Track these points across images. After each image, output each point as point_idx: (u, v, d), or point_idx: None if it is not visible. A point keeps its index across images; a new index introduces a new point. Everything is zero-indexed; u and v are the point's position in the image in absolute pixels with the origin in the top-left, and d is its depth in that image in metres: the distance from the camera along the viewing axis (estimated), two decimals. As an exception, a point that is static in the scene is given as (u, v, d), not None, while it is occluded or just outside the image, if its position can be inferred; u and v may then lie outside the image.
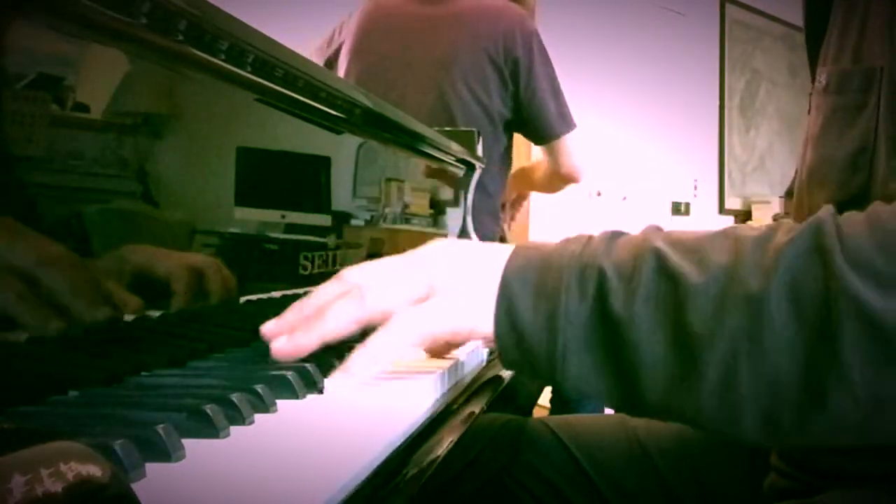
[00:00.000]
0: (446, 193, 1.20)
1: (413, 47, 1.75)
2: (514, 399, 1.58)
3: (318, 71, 0.71)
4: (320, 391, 0.52)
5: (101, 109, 0.48)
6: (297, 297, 0.58)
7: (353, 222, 0.87)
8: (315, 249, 0.76)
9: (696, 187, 4.33)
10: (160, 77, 0.54)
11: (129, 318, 0.50)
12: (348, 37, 1.83)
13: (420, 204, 1.08)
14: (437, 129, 1.14)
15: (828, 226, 0.46)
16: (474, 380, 0.69)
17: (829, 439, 0.47)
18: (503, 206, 1.95)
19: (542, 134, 1.80)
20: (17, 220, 0.41)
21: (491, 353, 0.77)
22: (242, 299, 0.64)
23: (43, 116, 0.43)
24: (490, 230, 1.74)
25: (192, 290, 0.57)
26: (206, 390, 0.46)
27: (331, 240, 0.79)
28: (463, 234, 1.24)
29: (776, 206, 4.29)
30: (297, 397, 0.49)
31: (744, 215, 4.56)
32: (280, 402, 0.47)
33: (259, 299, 0.66)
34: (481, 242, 0.57)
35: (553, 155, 1.84)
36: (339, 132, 0.82)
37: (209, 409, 0.40)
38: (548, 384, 0.49)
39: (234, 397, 0.43)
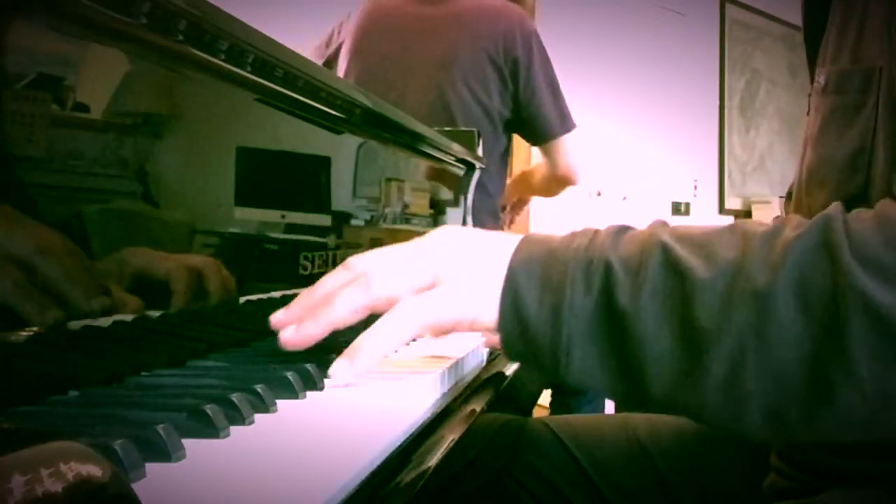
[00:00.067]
0: (446, 193, 1.20)
1: (413, 47, 1.75)
2: (514, 399, 1.58)
3: (318, 71, 0.71)
4: (320, 390, 0.52)
5: (101, 109, 0.48)
6: (297, 297, 0.58)
7: (353, 222, 0.87)
8: (315, 249, 0.76)
9: (696, 187, 4.33)
10: (160, 77, 0.54)
11: (128, 318, 0.50)
12: (348, 37, 1.82)
13: (420, 204, 1.08)
14: (437, 129, 1.14)
15: (836, 222, 0.46)
16: (474, 379, 0.69)
17: (836, 435, 0.47)
18: (503, 208, 1.95)
19: (540, 134, 1.80)
20: (17, 220, 0.41)
21: (491, 353, 0.77)
22: (242, 299, 0.64)
23: (43, 116, 0.43)
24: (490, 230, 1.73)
25: (191, 291, 0.57)
26: (206, 390, 0.46)
27: (331, 240, 0.79)
28: (463, 234, 1.24)
29: (776, 206, 4.29)
30: (297, 397, 0.49)
31: (744, 215, 4.56)
32: (280, 402, 0.47)
33: (259, 299, 0.66)
34: (487, 231, 0.56)
35: (550, 156, 1.84)
36: (339, 132, 0.82)
37: (209, 409, 0.40)
38: (552, 377, 0.49)
39: (234, 397, 0.43)
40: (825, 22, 0.73)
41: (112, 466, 0.25)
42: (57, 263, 0.44)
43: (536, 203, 2.35)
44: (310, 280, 0.57)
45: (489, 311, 0.51)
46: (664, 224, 0.52)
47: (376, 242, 0.92)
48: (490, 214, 1.75)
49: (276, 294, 0.68)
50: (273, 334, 0.68)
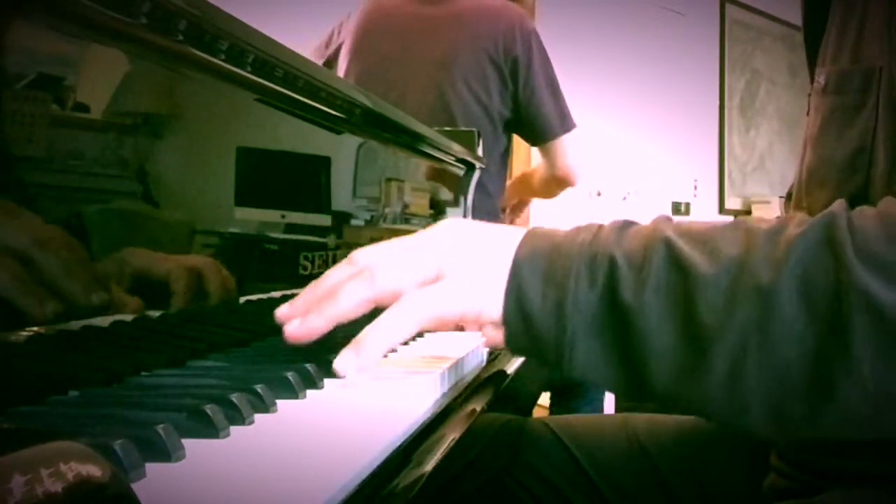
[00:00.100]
0: (446, 193, 1.20)
1: (413, 47, 1.75)
2: (514, 399, 1.58)
3: (318, 71, 0.71)
4: (320, 390, 0.52)
5: (101, 109, 0.48)
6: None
7: (353, 222, 0.87)
8: (315, 249, 0.76)
9: (696, 187, 4.33)
10: (160, 77, 0.54)
11: (128, 318, 0.50)
12: (348, 37, 1.82)
13: (420, 204, 1.08)
14: (437, 129, 1.14)
15: (840, 219, 0.46)
16: (475, 379, 0.69)
17: (838, 433, 0.47)
18: (503, 210, 1.95)
19: (540, 134, 1.80)
20: (18, 220, 0.41)
21: (491, 352, 0.77)
22: (242, 299, 0.64)
23: (43, 116, 0.43)
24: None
25: (191, 291, 0.57)
26: (206, 390, 0.46)
27: (331, 240, 0.79)
28: (463, 234, 1.24)
29: (776, 206, 4.29)
30: (296, 397, 0.49)
31: (744, 215, 4.54)
32: (280, 402, 0.47)
33: (259, 299, 0.66)
34: (491, 224, 0.56)
35: (548, 156, 1.84)
36: (339, 132, 0.82)
37: (209, 409, 0.40)
38: (555, 370, 0.50)
39: (234, 397, 0.43)
40: (825, 22, 0.73)
41: (112, 466, 0.25)
42: (57, 262, 0.44)
43: (536, 204, 2.35)
44: (310, 280, 0.57)
45: (494, 304, 0.51)
46: (668, 219, 0.52)
47: (376, 242, 0.92)
48: (490, 214, 1.75)
49: (276, 294, 0.68)
50: (273, 334, 0.68)
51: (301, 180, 0.77)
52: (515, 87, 1.75)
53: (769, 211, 4.36)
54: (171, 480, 0.33)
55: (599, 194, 3.73)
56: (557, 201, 2.14)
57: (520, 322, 0.51)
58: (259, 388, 0.46)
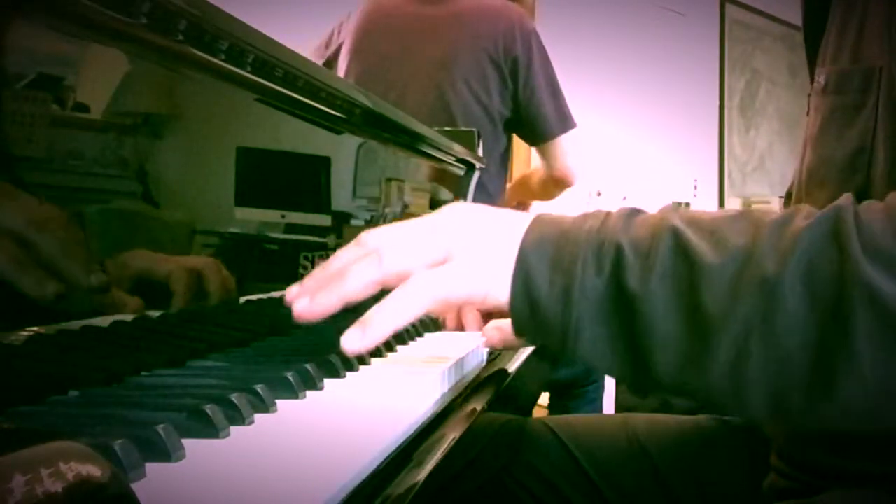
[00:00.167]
0: (446, 193, 1.20)
1: (413, 47, 1.75)
2: (514, 399, 1.58)
3: (318, 71, 0.71)
4: (320, 390, 0.52)
5: (101, 109, 0.48)
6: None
7: (353, 222, 0.87)
8: (315, 249, 0.76)
9: (696, 187, 4.33)
10: (160, 77, 0.54)
11: (128, 318, 0.50)
12: (348, 37, 1.82)
13: (420, 204, 1.08)
14: (437, 129, 1.14)
15: (846, 213, 0.46)
16: (475, 379, 0.69)
17: (838, 424, 0.47)
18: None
19: (539, 134, 1.80)
20: (17, 221, 0.41)
21: (491, 353, 0.77)
22: (242, 299, 0.64)
23: (43, 116, 0.43)
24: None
25: (191, 291, 0.57)
26: (206, 390, 0.46)
27: (331, 240, 0.79)
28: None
29: (776, 206, 4.29)
30: (296, 397, 0.49)
31: (744, 215, 4.55)
32: (280, 402, 0.47)
33: (259, 299, 0.66)
34: (498, 209, 0.56)
35: (547, 156, 1.83)
36: (339, 132, 0.82)
37: (209, 409, 0.40)
38: (560, 356, 0.50)
39: (234, 397, 0.43)
40: (825, 22, 0.73)
41: (112, 466, 0.25)
42: (57, 262, 0.44)
43: (537, 204, 2.35)
44: (310, 280, 0.57)
45: (501, 288, 0.51)
46: (675, 208, 0.52)
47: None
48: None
49: (276, 294, 0.68)
50: (273, 334, 0.68)
51: (301, 180, 0.77)
52: (515, 86, 1.75)
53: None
54: (171, 480, 0.33)
55: (599, 194, 3.73)
56: (558, 201, 2.14)
57: (526, 308, 0.51)
58: (259, 388, 0.46)
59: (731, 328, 0.46)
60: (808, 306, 0.45)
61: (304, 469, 0.36)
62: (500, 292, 0.51)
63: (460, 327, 0.68)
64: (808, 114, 0.74)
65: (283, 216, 0.72)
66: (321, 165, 0.79)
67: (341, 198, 0.84)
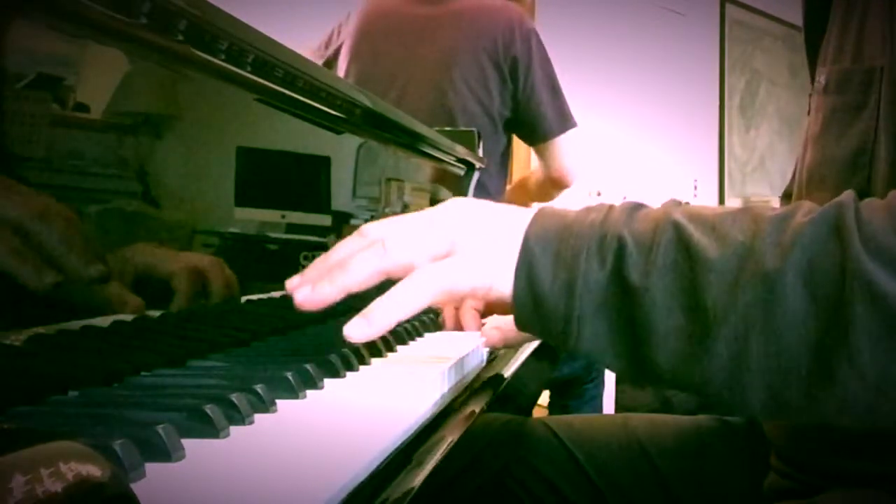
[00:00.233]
0: (446, 193, 1.20)
1: (412, 47, 1.75)
2: (514, 399, 1.58)
3: (318, 71, 0.71)
4: (320, 390, 0.52)
5: (101, 109, 0.48)
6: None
7: (353, 222, 0.87)
8: (315, 249, 0.76)
9: (696, 187, 4.33)
10: (160, 77, 0.54)
11: (129, 318, 0.50)
12: (347, 38, 1.82)
13: (420, 204, 1.08)
14: (437, 129, 1.14)
15: (848, 209, 0.46)
16: (475, 379, 0.69)
17: (837, 420, 0.47)
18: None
19: (538, 134, 1.80)
20: (17, 220, 0.41)
21: (491, 353, 0.77)
22: (242, 299, 0.64)
23: (43, 116, 0.43)
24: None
25: (192, 290, 0.57)
26: (206, 390, 0.46)
27: (331, 240, 0.79)
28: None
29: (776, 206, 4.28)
30: (297, 397, 0.49)
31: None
32: (280, 402, 0.47)
33: (259, 299, 0.66)
34: (500, 204, 0.57)
35: (544, 156, 1.83)
36: (339, 132, 0.82)
37: (209, 409, 0.40)
38: (561, 348, 0.50)
39: (234, 397, 0.43)
40: (826, 22, 0.73)
41: (112, 466, 0.25)
42: (57, 262, 0.44)
43: (535, 205, 2.35)
44: (310, 280, 0.57)
45: (504, 280, 0.52)
46: (678, 203, 0.52)
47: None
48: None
49: (276, 294, 0.68)
50: (273, 334, 0.68)
51: (301, 180, 0.77)
52: (515, 86, 1.75)
53: (769, 211, 4.35)
54: (171, 480, 0.33)
55: (599, 194, 3.73)
56: (557, 202, 2.14)
57: (530, 301, 0.51)
58: (259, 388, 0.46)
59: (731, 322, 0.46)
60: (809, 301, 0.45)
61: (304, 469, 0.36)
62: (504, 285, 0.52)
63: (460, 327, 0.68)
64: (808, 113, 0.74)
65: (283, 216, 0.72)
66: (321, 165, 0.79)
67: (341, 198, 0.84)
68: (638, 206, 0.53)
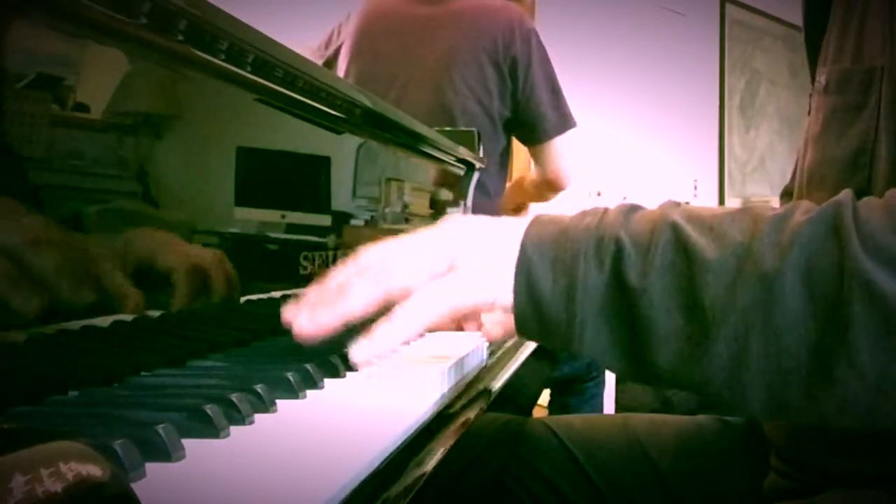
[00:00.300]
0: (446, 193, 1.20)
1: (412, 48, 1.75)
2: (514, 399, 1.58)
3: (318, 71, 0.71)
4: (320, 390, 0.52)
5: (101, 109, 0.48)
6: (297, 297, 0.58)
7: (353, 222, 0.87)
8: (315, 249, 0.76)
9: (696, 187, 4.33)
10: (160, 77, 0.54)
11: (128, 318, 0.50)
12: (347, 38, 1.82)
13: (420, 204, 1.08)
14: (437, 129, 1.14)
15: (846, 208, 0.46)
16: (475, 379, 0.69)
17: (836, 420, 0.47)
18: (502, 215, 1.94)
19: (536, 134, 1.80)
20: (17, 220, 0.41)
21: (491, 353, 0.77)
22: (242, 299, 0.64)
23: (43, 116, 0.43)
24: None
25: (192, 290, 0.57)
26: (206, 390, 0.46)
27: (331, 240, 0.79)
28: (463, 234, 1.24)
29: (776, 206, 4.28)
30: (297, 397, 0.49)
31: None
32: (280, 402, 0.47)
33: (259, 299, 0.66)
34: (494, 218, 0.57)
35: (540, 158, 1.83)
36: (339, 132, 0.82)
37: (209, 409, 0.40)
38: (563, 352, 0.50)
39: (234, 397, 0.43)
40: (826, 22, 0.73)
41: (112, 466, 0.25)
42: (56, 261, 0.44)
43: (534, 206, 2.35)
44: (310, 280, 0.57)
45: (507, 292, 0.51)
46: (675, 204, 0.52)
47: (376, 242, 0.92)
48: (490, 215, 1.75)
49: (276, 294, 0.68)
50: (273, 334, 0.68)
51: (301, 180, 0.77)
52: (515, 86, 1.75)
53: (769, 211, 4.35)
54: (171, 480, 0.33)
55: (599, 194, 3.73)
56: (557, 202, 2.14)
57: (530, 308, 0.51)
58: (259, 388, 0.46)
59: (730, 322, 0.46)
60: (807, 301, 0.45)
61: (304, 469, 0.36)
62: (506, 297, 0.52)
63: (459, 327, 0.68)
64: (808, 113, 0.74)
65: (283, 216, 0.72)
66: (321, 165, 0.79)
67: (341, 198, 0.84)
68: (634, 208, 0.52)
